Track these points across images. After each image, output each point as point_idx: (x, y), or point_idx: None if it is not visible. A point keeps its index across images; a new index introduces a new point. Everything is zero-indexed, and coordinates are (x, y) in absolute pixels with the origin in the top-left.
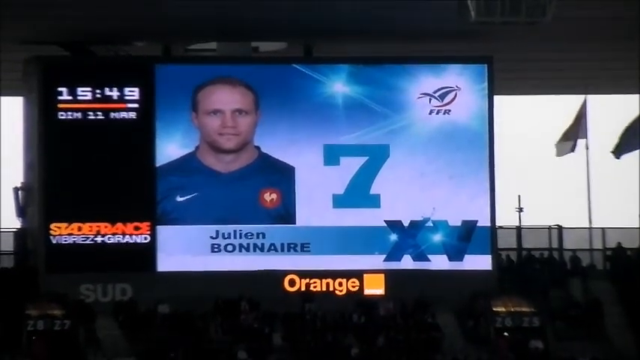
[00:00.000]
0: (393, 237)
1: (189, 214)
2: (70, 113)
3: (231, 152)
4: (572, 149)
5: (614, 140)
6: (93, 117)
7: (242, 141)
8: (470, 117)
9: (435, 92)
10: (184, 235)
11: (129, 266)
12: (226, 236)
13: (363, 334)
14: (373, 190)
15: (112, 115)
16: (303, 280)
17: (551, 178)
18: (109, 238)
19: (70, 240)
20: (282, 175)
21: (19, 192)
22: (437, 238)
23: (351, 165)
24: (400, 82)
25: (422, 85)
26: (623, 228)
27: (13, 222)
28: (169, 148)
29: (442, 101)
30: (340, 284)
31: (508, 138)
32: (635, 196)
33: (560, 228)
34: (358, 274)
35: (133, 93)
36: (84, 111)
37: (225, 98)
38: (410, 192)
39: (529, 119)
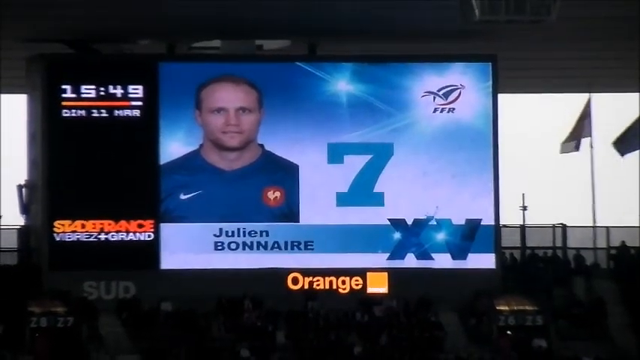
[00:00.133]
0: (397, 235)
1: (192, 211)
2: (73, 111)
3: (235, 150)
4: (577, 148)
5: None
6: (97, 115)
7: (246, 139)
8: (474, 115)
9: (439, 90)
10: (188, 233)
11: (132, 264)
12: (230, 234)
13: (366, 332)
14: (377, 189)
15: (116, 112)
16: (306, 278)
17: (555, 177)
18: (113, 235)
19: (74, 237)
20: (285, 174)
21: (23, 189)
22: (440, 236)
23: (355, 163)
24: (404, 80)
25: (426, 83)
26: (627, 227)
27: (17, 219)
28: (173, 145)
29: (446, 99)
30: (343, 282)
31: (512, 136)
32: (638, 195)
33: (564, 227)
34: (361, 273)
35: (136, 91)
36: (88, 109)
37: (228, 96)
38: (414, 190)
39: (533, 118)
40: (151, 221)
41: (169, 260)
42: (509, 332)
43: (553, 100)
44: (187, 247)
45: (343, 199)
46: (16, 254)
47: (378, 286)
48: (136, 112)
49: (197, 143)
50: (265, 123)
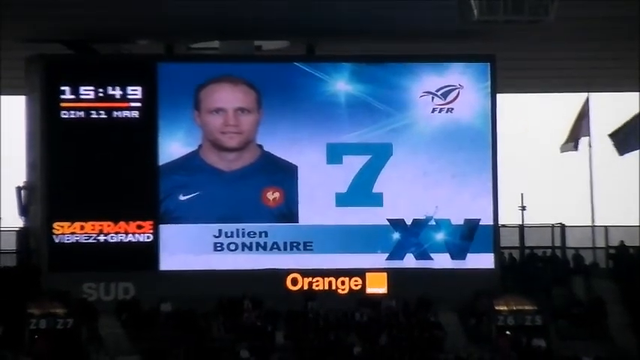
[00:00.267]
0: (396, 236)
1: (191, 212)
2: (72, 112)
3: (234, 150)
4: (575, 147)
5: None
6: (96, 116)
7: (244, 139)
8: (473, 115)
9: (437, 91)
10: (187, 234)
11: (131, 265)
12: (229, 235)
13: (365, 332)
14: (376, 189)
15: (115, 113)
16: (305, 278)
17: (553, 177)
18: (112, 236)
19: (73, 239)
20: (284, 174)
21: (22, 191)
22: (439, 236)
23: (354, 164)
24: (403, 80)
25: (424, 83)
26: (626, 226)
27: (16, 221)
28: (172, 146)
29: (445, 100)
30: (343, 283)
31: (511, 136)
32: (637, 194)
33: (562, 226)
34: (361, 273)
35: (135, 92)
36: (87, 110)
37: (227, 97)
38: (413, 191)
39: (532, 118)
40: (150, 222)
41: (169, 261)
42: (508, 332)
43: (551, 99)
44: (187, 248)
45: (342, 200)
46: (15, 256)
47: (377, 286)
48: (135, 113)
49: (196, 144)
50: (264, 123)
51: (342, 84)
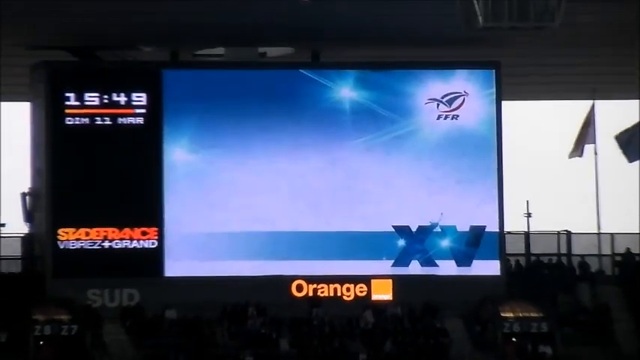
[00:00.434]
0: (401, 242)
1: (195, 219)
2: (77, 119)
3: None
4: (580, 154)
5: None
6: (100, 122)
7: None
8: (478, 122)
9: (442, 97)
10: (192, 241)
11: (136, 271)
12: (234, 241)
13: (370, 339)
14: (381, 196)
15: (120, 120)
16: (310, 285)
17: (559, 184)
18: (117, 243)
19: (78, 245)
20: (287, 181)
21: (27, 197)
22: (445, 243)
23: (359, 170)
24: (407, 87)
25: (429, 90)
26: (631, 233)
27: (21, 227)
28: (177, 153)
29: (450, 106)
30: (348, 289)
31: (516, 143)
32: None
33: (568, 233)
34: (366, 280)
35: (140, 98)
36: (91, 116)
37: None
38: (418, 197)
39: (537, 125)
40: (155, 229)
41: (173, 267)
42: (514, 339)
43: (557, 106)
44: (191, 255)
45: (347, 206)
46: (20, 262)
47: (382, 292)
48: (140, 120)
49: (201, 150)
50: (268, 130)
51: (346, 91)
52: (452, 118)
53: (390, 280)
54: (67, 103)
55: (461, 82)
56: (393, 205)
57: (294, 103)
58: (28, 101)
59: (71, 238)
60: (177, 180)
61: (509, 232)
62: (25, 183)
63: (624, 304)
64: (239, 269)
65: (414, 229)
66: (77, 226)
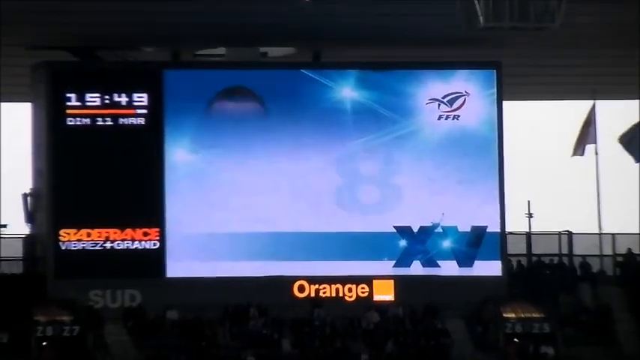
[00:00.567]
0: (403, 243)
1: (197, 219)
2: (78, 119)
3: None
4: (582, 152)
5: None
6: (101, 123)
7: None
8: (479, 122)
9: (443, 98)
10: (193, 241)
11: (138, 272)
12: (235, 242)
13: (372, 340)
14: (382, 196)
15: (121, 120)
16: (312, 285)
17: (560, 184)
18: (118, 244)
19: (79, 246)
20: (289, 182)
21: (28, 198)
22: (446, 243)
23: (360, 170)
24: (409, 87)
25: (430, 90)
26: (633, 234)
27: (22, 228)
28: (178, 153)
29: (451, 107)
30: (350, 290)
31: (517, 143)
32: None
33: (570, 234)
34: (368, 280)
35: (141, 99)
36: (92, 117)
37: None
38: (419, 198)
39: (538, 125)
40: (156, 229)
41: (175, 268)
42: (515, 339)
43: (558, 106)
44: (193, 255)
45: (348, 207)
46: (21, 263)
47: (384, 293)
48: (141, 120)
49: (202, 150)
50: (269, 130)
51: (347, 91)
52: (453, 119)
53: (392, 281)
54: (68, 103)
55: (462, 82)
56: (394, 206)
57: (295, 103)
58: (29, 102)
59: (73, 238)
60: (178, 180)
61: (510, 233)
62: (26, 184)
63: (626, 304)
64: (240, 270)
65: (415, 230)
66: (79, 227)
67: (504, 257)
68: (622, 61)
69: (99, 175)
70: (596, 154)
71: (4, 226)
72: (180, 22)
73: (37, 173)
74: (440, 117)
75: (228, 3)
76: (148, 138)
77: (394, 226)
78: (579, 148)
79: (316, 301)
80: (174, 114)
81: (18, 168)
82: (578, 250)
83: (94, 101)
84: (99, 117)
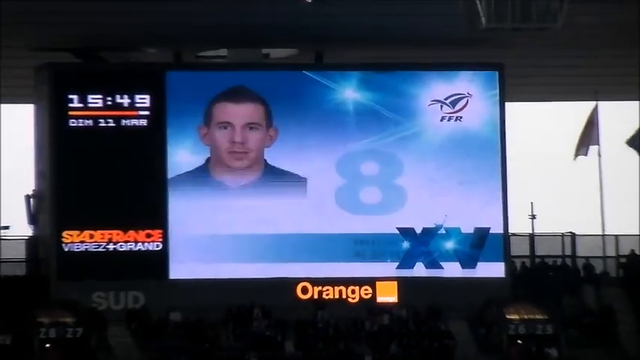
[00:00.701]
0: (406, 244)
1: (200, 221)
2: (81, 120)
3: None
4: (585, 153)
5: (628, 147)
6: (104, 124)
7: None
8: (482, 123)
9: (446, 99)
10: (196, 243)
11: (141, 274)
12: (238, 243)
13: (375, 341)
14: (385, 197)
15: (123, 122)
16: (315, 287)
17: (564, 185)
18: (121, 245)
19: (82, 247)
20: (293, 184)
21: (31, 199)
22: (449, 245)
23: (363, 172)
24: (411, 88)
25: (433, 91)
26: (636, 235)
27: (25, 230)
28: (181, 155)
29: (453, 108)
30: (353, 292)
31: (520, 145)
32: None
33: (573, 235)
34: (371, 282)
35: (144, 100)
36: (95, 118)
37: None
38: (422, 199)
39: (542, 126)
40: (159, 231)
41: (178, 270)
42: (519, 341)
43: (561, 107)
44: (196, 257)
45: (351, 208)
46: (24, 265)
47: (387, 295)
48: (144, 122)
49: (205, 152)
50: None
51: (350, 92)
52: (455, 120)
53: (395, 282)
54: (71, 104)
55: (464, 83)
56: (397, 207)
57: (298, 104)
58: (31, 103)
59: (76, 240)
60: (181, 182)
61: (513, 234)
62: (29, 185)
63: (629, 306)
64: (243, 271)
65: (418, 231)
66: (81, 229)
67: (507, 259)
68: (623, 61)
69: (101, 176)
70: (599, 155)
71: (7, 227)
72: (183, 24)
73: (40, 175)
74: (442, 118)
75: (230, 4)
76: (151, 139)
77: (397, 228)
78: (581, 150)
79: (319, 303)
80: (176, 115)
81: (20, 169)
82: (581, 251)
83: (96, 103)
84: (101, 118)
